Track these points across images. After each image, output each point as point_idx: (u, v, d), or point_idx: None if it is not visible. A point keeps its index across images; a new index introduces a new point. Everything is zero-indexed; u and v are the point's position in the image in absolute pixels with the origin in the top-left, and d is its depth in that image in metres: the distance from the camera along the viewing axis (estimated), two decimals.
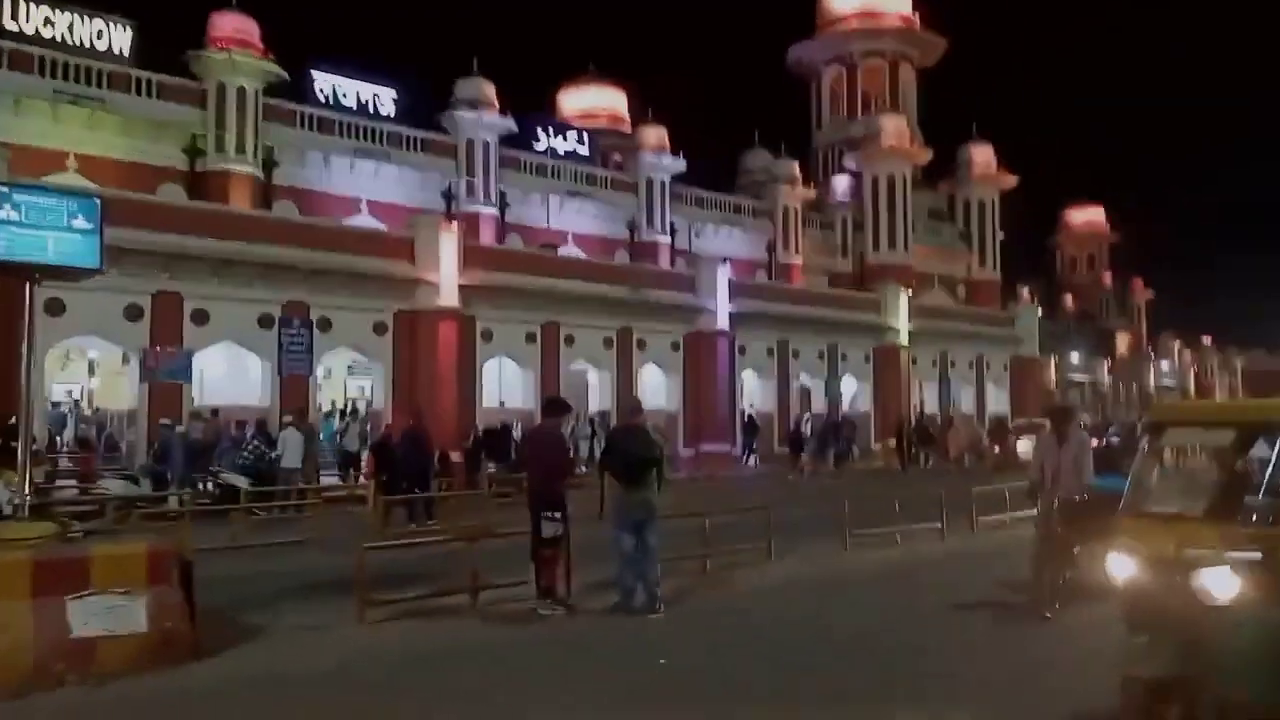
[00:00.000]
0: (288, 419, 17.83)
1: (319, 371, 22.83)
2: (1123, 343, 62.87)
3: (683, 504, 12.36)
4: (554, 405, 9.48)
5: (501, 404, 26.32)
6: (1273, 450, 5.15)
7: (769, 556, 11.04)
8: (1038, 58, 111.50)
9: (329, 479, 19.12)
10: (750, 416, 31.07)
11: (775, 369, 32.44)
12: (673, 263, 33.96)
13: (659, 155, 35.03)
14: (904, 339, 35.66)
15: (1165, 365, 63.41)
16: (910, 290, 37.41)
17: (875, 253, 41.46)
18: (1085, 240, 66.34)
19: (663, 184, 35.16)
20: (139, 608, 6.62)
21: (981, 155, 46.29)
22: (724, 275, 29.87)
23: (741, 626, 8.39)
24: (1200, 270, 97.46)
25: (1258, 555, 4.94)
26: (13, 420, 13.38)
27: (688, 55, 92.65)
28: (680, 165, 35.45)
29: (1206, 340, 68.17)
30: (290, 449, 16.77)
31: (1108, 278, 65.45)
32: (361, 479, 18.48)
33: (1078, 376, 53.17)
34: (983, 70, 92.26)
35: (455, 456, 20.49)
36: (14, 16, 23.39)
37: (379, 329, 23.18)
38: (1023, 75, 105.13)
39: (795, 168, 40.51)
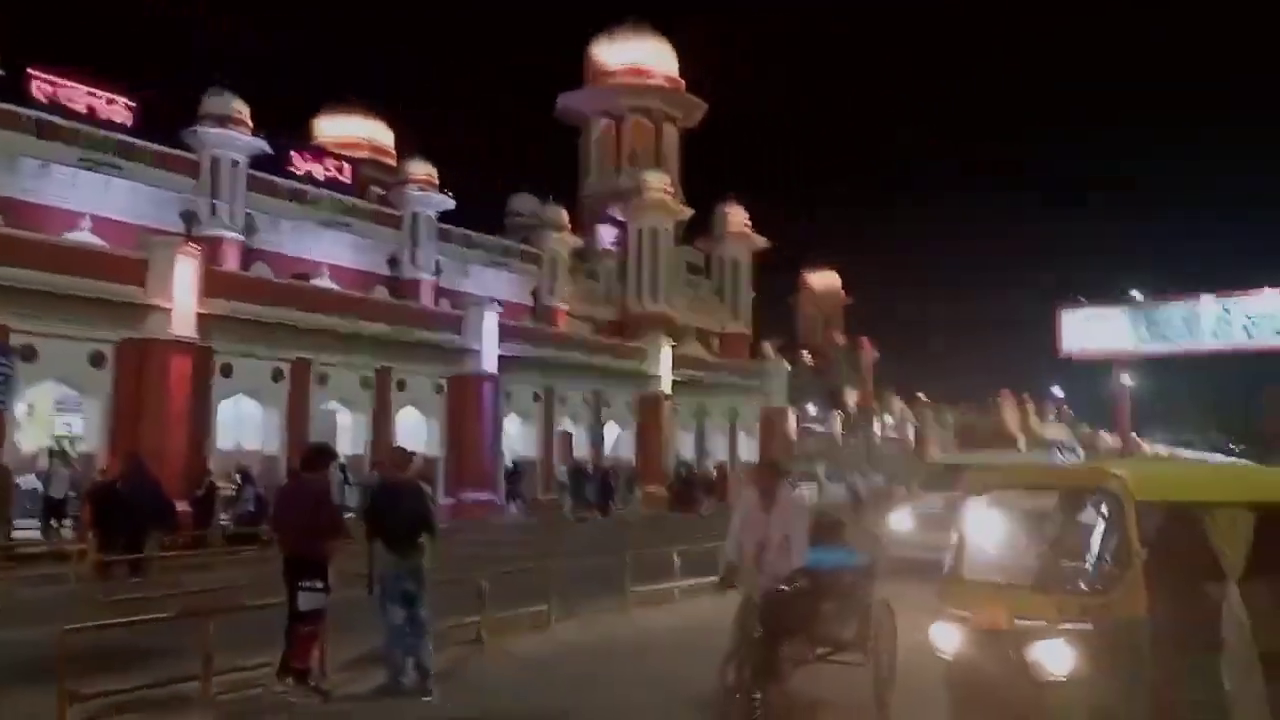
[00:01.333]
0: None
1: (19, 408, 19.70)
2: (852, 398, 67.94)
3: (453, 561, 11.35)
4: (318, 454, 8.20)
5: (238, 445, 23.98)
6: (1100, 515, 5.08)
7: (549, 621, 10.24)
8: (789, 128, 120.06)
9: (26, 534, 16.43)
10: (514, 463, 30.23)
11: (541, 415, 31.80)
12: (436, 301, 32.65)
13: (425, 190, 33.78)
14: (667, 388, 36.18)
15: (889, 419, 69.08)
16: (673, 341, 38.17)
17: (638, 302, 42.19)
18: (822, 301, 71.37)
19: (428, 220, 33.91)
20: None
21: (736, 216, 48.52)
22: (492, 317, 28.98)
23: (515, 712, 7.57)
24: (919, 332, 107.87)
25: (1090, 627, 4.80)
26: None
27: (456, 94, 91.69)
28: (448, 202, 34.35)
29: (923, 397, 74.97)
30: None
31: (840, 337, 70.78)
32: (72, 530, 16.10)
33: (815, 427, 56.84)
34: (739, 136, 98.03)
35: (182, 506, 18.32)
36: None
37: (96, 361, 20.37)
38: (775, 144, 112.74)
39: (564, 214, 40.55)
